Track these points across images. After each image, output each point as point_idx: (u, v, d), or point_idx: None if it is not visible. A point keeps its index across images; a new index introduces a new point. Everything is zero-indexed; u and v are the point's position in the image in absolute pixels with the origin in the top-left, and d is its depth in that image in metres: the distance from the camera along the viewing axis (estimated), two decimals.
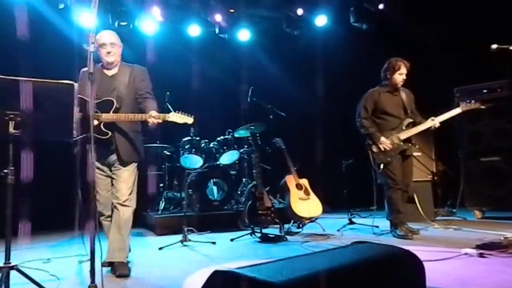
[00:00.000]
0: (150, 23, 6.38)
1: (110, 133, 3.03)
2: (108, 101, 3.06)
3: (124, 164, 3.15)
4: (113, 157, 3.14)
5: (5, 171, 2.18)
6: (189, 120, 3.21)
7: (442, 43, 6.21)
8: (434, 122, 4.22)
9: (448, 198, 5.60)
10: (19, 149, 4.01)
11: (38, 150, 4.45)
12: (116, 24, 6.05)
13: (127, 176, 3.16)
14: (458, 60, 5.96)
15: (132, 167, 3.22)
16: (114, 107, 3.04)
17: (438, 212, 5.40)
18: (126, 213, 3.12)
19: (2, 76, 2.17)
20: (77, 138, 2.67)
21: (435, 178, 5.32)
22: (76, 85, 2.34)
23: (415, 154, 4.71)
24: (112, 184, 3.18)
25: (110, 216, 3.18)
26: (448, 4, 6.08)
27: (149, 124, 3.04)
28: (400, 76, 4.33)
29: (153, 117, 3.01)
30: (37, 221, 4.71)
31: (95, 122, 2.90)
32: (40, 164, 4.70)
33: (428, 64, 5.98)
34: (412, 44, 6.01)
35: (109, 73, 3.23)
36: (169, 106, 5.66)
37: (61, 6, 5.64)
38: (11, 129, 2.19)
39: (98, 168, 3.08)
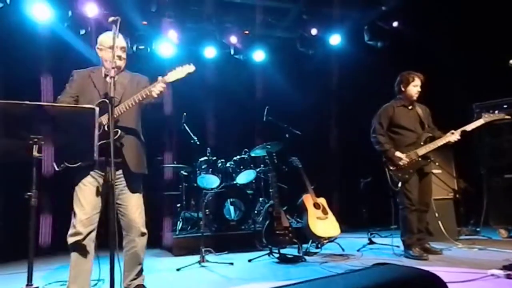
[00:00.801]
0: (167, 46, 6.52)
1: (118, 131, 2.74)
2: (102, 103, 2.77)
3: (131, 178, 2.90)
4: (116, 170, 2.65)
5: (29, 193, 2.23)
6: (190, 68, 2.97)
7: (459, 59, 6.16)
8: (454, 135, 4.10)
9: (471, 216, 5.46)
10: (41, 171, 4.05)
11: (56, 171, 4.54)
12: (134, 48, 6.23)
13: (138, 200, 2.94)
14: (476, 75, 5.90)
15: (140, 189, 2.98)
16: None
17: (461, 231, 5.25)
18: (144, 242, 2.96)
19: (27, 102, 2.24)
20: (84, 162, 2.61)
21: (457, 195, 5.20)
22: (97, 109, 2.38)
23: (435, 171, 4.63)
24: (105, 204, 2.81)
25: (87, 236, 2.76)
26: (464, 20, 6.06)
27: (155, 94, 2.79)
28: (414, 88, 4.26)
29: (154, 86, 2.79)
30: (56, 242, 4.78)
31: (100, 129, 2.71)
32: (58, 185, 4.79)
33: (445, 80, 5.93)
34: (428, 60, 5.98)
35: (111, 79, 2.89)
36: (186, 127, 5.76)
37: (82, 31, 5.84)
38: (35, 153, 2.25)
39: (92, 177, 2.80)
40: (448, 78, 6.07)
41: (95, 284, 3.41)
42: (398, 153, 4.13)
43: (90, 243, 2.78)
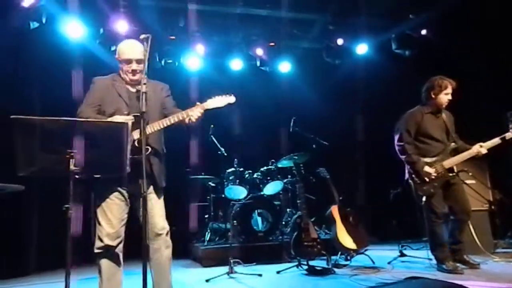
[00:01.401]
0: (195, 59, 6.66)
1: (149, 148, 2.76)
2: (134, 117, 2.77)
3: (157, 191, 2.91)
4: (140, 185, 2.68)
5: (66, 206, 2.31)
6: (231, 99, 2.95)
7: (489, 66, 6.00)
8: (481, 149, 3.92)
9: (508, 228, 5.24)
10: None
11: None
12: (162, 62, 6.39)
13: (162, 210, 2.94)
14: (509, 83, 5.72)
15: (162, 196, 2.98)
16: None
17: (497, 244, 5.04)
18: (169, 253, 2.94)
19: (64, 118, 2.34)
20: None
21: (492, 207, 4.99)
22: (130, 124, 2.45)
23: (468, 182, 4.46)
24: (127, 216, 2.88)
25: (114, 248, 2.79)
26: (493, 26, 5.91)
27: (192, 120, 2.80)
28: (446, 96, 4.06)
29: (192, 110, 2.78)
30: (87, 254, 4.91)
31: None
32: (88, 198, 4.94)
33: (475, 88, 5.78)
34: (457, 68, 5.85)
35: (132, 88, 2.95)
36: (214, 139, 5.84)
37: (113, 48, 6.05)
38: (71, 166, 2.33)
39: (117, 191, 2.81)
40: (479, 86, 5.91)
41: None
42: (427, 168, 3.93)
43: (119, 254, 2.84)
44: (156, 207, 2.90)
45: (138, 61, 2.85)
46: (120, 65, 2.94)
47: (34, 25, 5.38)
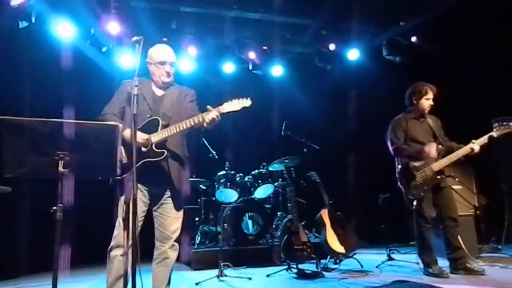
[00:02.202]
0: (187, 62, 6.66)
1: (165, 151, 2.79)
2: (153, 120, 2.86)
3: (174, 197, 2.91)
4: (160, 188, 2.89)
5: (54, 208, 2.30)
6: (247, 103, 2.94)
7: (478, 74, 6.09)
8: (474, 145, 3.91)
9: (492, 233, 5.32)
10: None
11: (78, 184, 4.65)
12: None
13: (177, 215, 2.95)
14: (498, 89, 5.81)
15: (181, 207, 2.97)
16: (160, 124, 2.84)
17: (482, 249, 5.10)
18: (175, 256, 2.98)
19: (53, 120, 2.32)
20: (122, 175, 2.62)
21: (478, 212, 5.06)
22: (120, 126, 2.45)
23: (455, 187, 4.52)
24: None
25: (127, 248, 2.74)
26: (483, 33, 6.01)
27: (206, 124, 2.78)
28: (427, 102, 4.12)
29: (208, 114, 2.76)
30: (82, 254, 4.89)
31: (144, 149, 2.77)
32: (82, 198, 4.91)
33: (464, 95, 5.87)
34: (447, 75, 5.93)
35: (159, 92, 3.03)
36: (205, 142, 5.83)
37: (104, 49, 6.03)
38: (60, 168, 2.32)
39: (141, 191, 2.82)
40: (467, 93, 5.99)
41: None
42: (426, 147, 3.96)
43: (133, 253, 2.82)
44: (171, 213, 2.91)
45: (171, 64, 2.97)
46: (152, 68, 2.99)
47: (23, 24, 5.34)
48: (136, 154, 2.47)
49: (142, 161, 2.74)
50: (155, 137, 2.81)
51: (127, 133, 2.74)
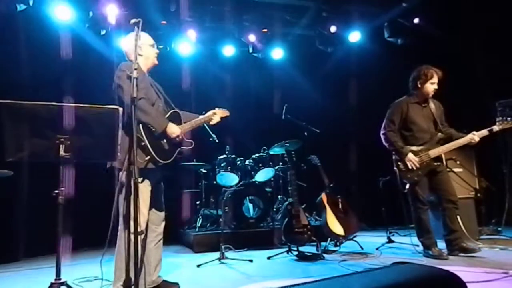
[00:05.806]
0: (186, 45, 6.59)
1: (192, 142, 3.11)
2: (175, 113, 3.07)
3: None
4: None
5: (56, 191, 2.31)
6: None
7: (482, 55, 6.03)
8: (474, 136, 3.91)
9: (492, 216, 5.36)
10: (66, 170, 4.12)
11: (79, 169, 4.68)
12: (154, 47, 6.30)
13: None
14: (501, 72, 5.76)
15: None
16: (182, 117, 3.12)
17: (482, 231, 5.15)
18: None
19: (53, 103, 2.32)
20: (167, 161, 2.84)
21: (478, 195, 5.08)
22: (120, 109, 2.44)
23: (456, 170, 4.54)
24: None
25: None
26: (485, 15, 5.93)
27: (213, 121, 3.26)
28: (432, 86, 4.05)
29: (215, 114, 3.28)
30: (81, 238, 4.93)
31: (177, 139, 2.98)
32: (80, 183, 4.95)
33: (467, 77, 5.83)
34: (449, 57, 5.87)
35: (149, 77, 3.14)
36: (206, 125, 5.78)
37: (103, 32, 5.96)
38: (61, 152, 2.32)
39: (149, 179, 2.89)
40: (470, 75, 5.95)
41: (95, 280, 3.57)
42: (411, 156, 3.98)
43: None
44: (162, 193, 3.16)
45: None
46: (147, 51, 3.07)
47: (21, 7, 5.28)
48: (172, 146, 2.88)
49: (177, 150, 2.99)
50: (183, 129, 3.03)
51: (173, 128, 2.90)
